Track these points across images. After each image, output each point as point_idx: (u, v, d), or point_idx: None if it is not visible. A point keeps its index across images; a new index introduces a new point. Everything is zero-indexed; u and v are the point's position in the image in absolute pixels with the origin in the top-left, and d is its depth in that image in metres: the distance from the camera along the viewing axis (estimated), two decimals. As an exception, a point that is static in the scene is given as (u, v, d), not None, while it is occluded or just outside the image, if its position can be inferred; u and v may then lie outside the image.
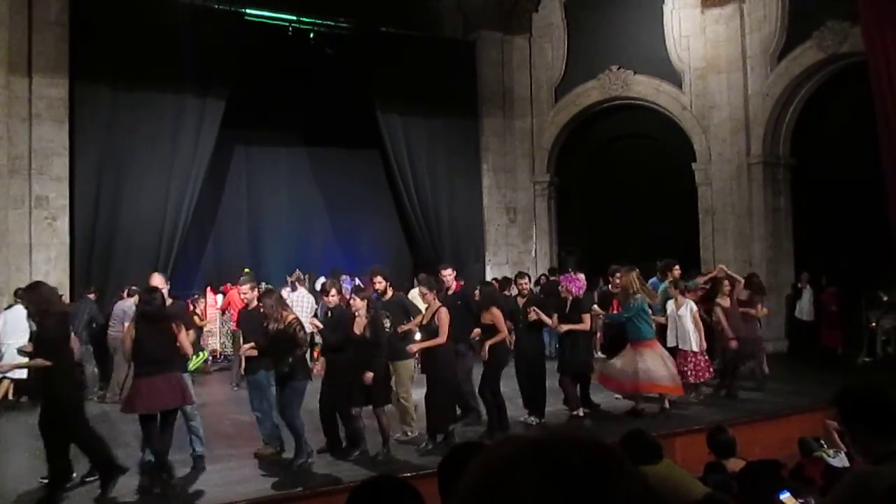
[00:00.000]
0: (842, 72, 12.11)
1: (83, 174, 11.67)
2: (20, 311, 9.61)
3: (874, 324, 11.85)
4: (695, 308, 8.99)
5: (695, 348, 8.88)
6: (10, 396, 9.79)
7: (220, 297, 13.31)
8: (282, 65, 13.43)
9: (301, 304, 10.98)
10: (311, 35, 13.73)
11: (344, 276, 11.65)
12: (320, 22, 13.87)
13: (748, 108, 13.07)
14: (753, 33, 12.98)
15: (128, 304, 9.84)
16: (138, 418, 6.05)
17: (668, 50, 13.89)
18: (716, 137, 13.41)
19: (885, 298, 11.63)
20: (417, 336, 7.67)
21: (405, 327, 7.49)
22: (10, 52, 11.14)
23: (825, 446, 4.74)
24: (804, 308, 12.81)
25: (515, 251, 15.77)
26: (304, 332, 6.82)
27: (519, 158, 15.98)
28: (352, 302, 6.98)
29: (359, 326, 6.83)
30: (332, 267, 12.73)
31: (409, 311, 7.78)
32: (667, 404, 8.31)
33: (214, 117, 12.52)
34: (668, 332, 9.07)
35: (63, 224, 11.46)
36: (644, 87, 14.35)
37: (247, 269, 12.66)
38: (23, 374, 9.42)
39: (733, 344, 9.18)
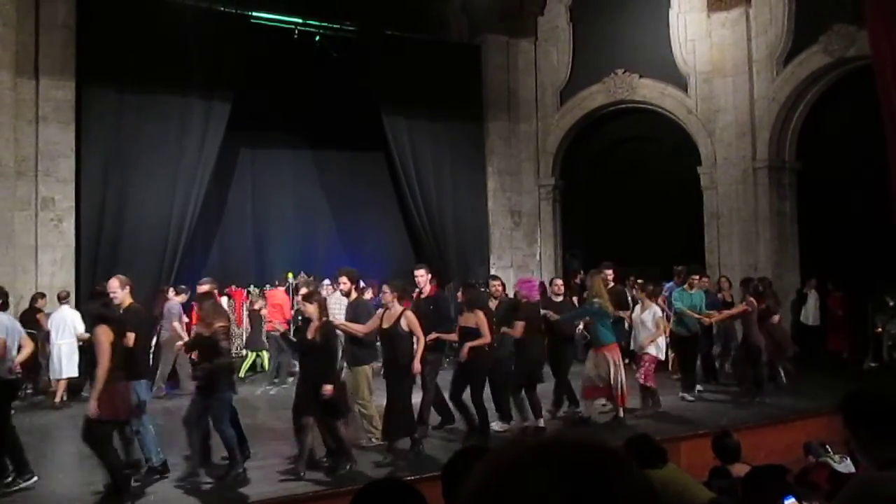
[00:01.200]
0: (848, 76, 12.08)
1: (89, 176, 11.71)
2: (67, 311, 9.82)
3: (880, 329, 11.81)
4: (659, 314, 8.90)
5: (653, 352, 8.74)
6: (65, 398, 9.77)
7: (224, 298, 13.32)
8: (287, 68, 13.46)
9: (339, 302, 11.17)
10: (317, 38, 13.76)
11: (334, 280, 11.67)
12: (326, 25, 13.90)
13: (754, 112, 13.05)
14: (759, 37, 12.95)
15: (174, 304, 10.29)
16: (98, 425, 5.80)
17: (674, 53, 13.88)
18: (721, 141, 13.38)
19: (892, 303, 11.57)
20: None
21: (351, 326, 7.14)
22: (18, 54, 11.19)
23: (831, 451, 4.73)
24: (810, 312, 12.76)
25: (520, 254, 15.76)
26: (229, 341, 6.45)
27: (524, 162, 15.98)
28: (302, 307, 6.66)
29: (311, 331, 6.54)
30: (336, 269, 12.73)
31: (360, 314, 7.41)
32: (620, 412, 8.20)
33: (220, 119, 12.55)
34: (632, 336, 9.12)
35: (69, 226, 11.49)
36: (649, 91, 14.34)
37: (289, 273, 12.72)
38: (74, 372, 9.64)
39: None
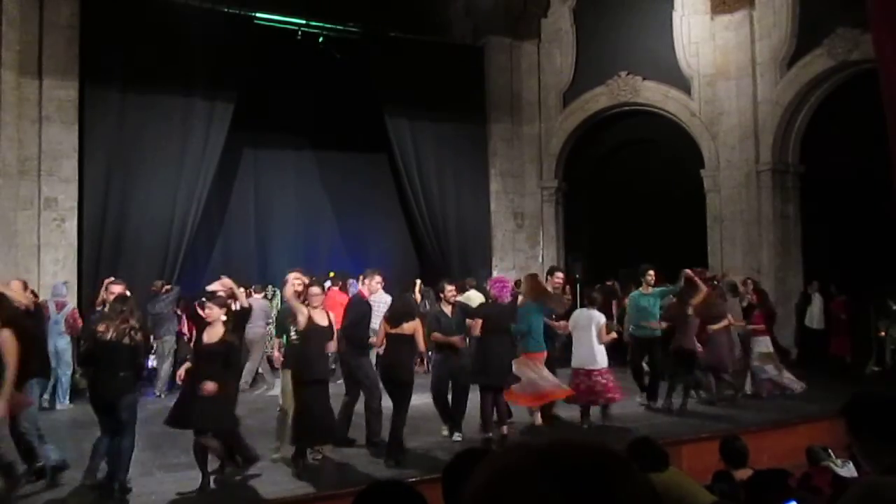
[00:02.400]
0: (852, 79, 12.06)
1: (92, 176, 11.73)
2: None
3: (883, 332, 11.80)
4: (602, 321, 8.25)
5: (596, 365, 8.12)
6: None
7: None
8: (291, 68, 13.49)
9: (384, 303, 11.44)
10: (321, 39, 13.77)
11: (351, 280, 11.68)
12: (329, 26, 13.91)
13: (757, 115, 13.04)
14: (763, 40, 12.95)
15: (260, 303, 11.03)
16: None
17: (678, 56, 13.87)
18: (724, 144, 13.38)
19: (895, 307, 11.56)
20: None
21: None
22: (21, 54, 11.21)
23: (833, 456, 4.72)
24: (814, 316, 12.75)
25: (522, 256, 15.76)
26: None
27: (527, 164, 15.97)
28: (208, 309, 6.35)
29: (210, 335, 6.22)
30: (338, 270, 12.74)
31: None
32: (538, 420, 7.97)
33: (223, 120, 12.56)
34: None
35: (71, 225, 11.51)
36: (653, 94, 14.33)
37: (332, 273, 12.76)
38: None
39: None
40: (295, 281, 6.91)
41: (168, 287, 11.18)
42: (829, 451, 4.84)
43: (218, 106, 12.54)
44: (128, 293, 7.06)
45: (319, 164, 15.14)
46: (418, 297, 8.17)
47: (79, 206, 11.60)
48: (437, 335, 7.75)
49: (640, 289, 9.48)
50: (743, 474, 4.36)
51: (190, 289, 12.28)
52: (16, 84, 11.15)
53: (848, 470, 4.43)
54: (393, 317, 7.20)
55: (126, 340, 5.92)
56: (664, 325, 9.26)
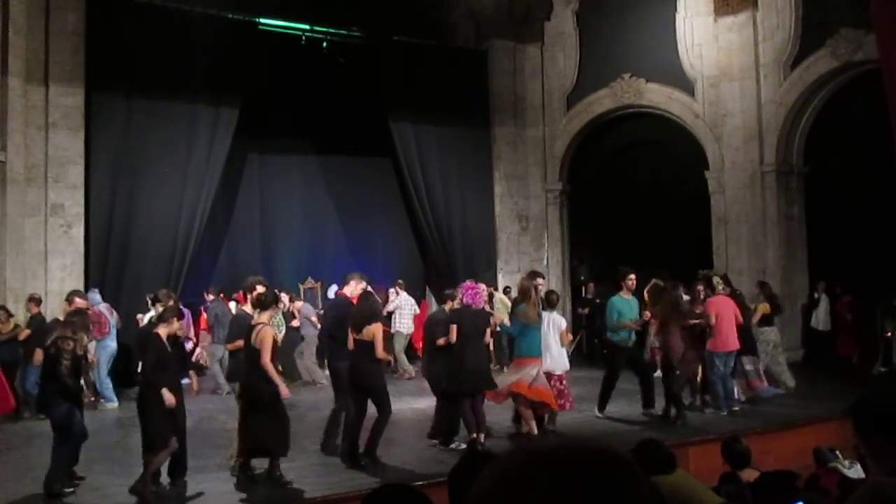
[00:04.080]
0: (856, 79, 12.03)
1: (98, 182, 11.76)
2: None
3: (889, 333, 11.75)
4: (563, 324, 8.01)
5: (559, 369, 7.92)
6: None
7: (232, 304, 13.34)
8: (295, 74, 13.51)
9: (409, 305, 12.86)
10: (325, 44, 13.80)
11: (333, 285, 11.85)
12: (333, 31, 13.95)
13: (761, 117, 13.01)
14: (766, 41, 12.93)
15: (300, 306, 12.13)
16: None
17: (681, 58, 13.86)
18: (728, 146, 13.36)
19: (901, 307, 11.52)
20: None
21: (231, 346, 6.80)
22: (28, 61, 11.27)
23: (841, 457, 4.71)
24: (820, 317, 12.71)
25: (527, 259, 15.74)
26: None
27: (531, 166, 15.97)
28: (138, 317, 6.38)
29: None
30: (343, 275, 12.76)
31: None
32: (534, 429, 7.73)
33: (228, 125, 12.59)
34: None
35: (78, 232, 11.55)
36: (656, 96, 14.32)
37: (400, 281, 13.21)
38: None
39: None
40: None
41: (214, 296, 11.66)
42: (837, 452, 4.83)
43: (223, 111, 12.57)
44: (83, 309, 7.21)
45: (324, 169, 15.16)
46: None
47: (85, 213, 11.63)
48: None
49: (620, 293, 8.94)
50: (750, 476, 4.36)
51: (196, 295, 12.32)
52: (22, 91, 11.20)
53: (855, 471, 4.42)
54: (356, 321, 6.89)
55: (52, 351, 5.96)
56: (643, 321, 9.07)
